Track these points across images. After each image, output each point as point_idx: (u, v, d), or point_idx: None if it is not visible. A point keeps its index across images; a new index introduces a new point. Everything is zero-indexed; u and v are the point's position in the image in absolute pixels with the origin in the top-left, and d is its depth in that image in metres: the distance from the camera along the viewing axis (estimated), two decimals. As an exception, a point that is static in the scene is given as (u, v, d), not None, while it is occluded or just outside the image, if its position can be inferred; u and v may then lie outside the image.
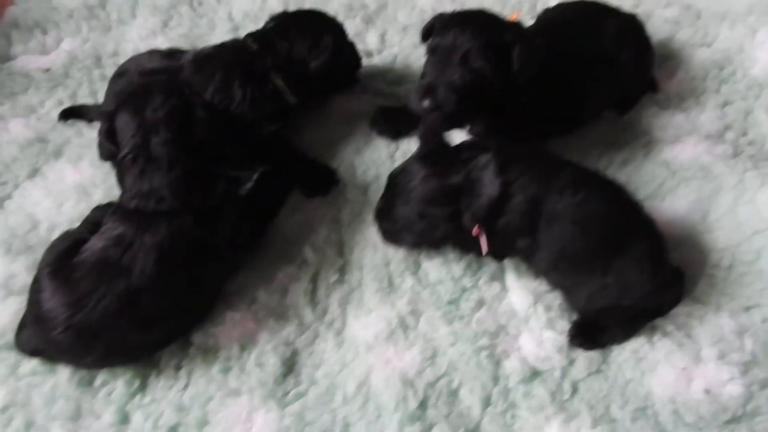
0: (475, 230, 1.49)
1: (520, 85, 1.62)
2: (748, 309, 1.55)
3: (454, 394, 1.49)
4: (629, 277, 1.43)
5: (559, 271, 1.51)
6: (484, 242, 1.51)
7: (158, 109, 1.51)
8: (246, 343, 1.57)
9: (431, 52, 1.64)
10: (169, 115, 1.51)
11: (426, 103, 1.59)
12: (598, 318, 1.52)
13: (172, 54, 1.84)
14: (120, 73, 1.84)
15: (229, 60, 1.77)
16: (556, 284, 1.58)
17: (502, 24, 1.64)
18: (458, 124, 1.75)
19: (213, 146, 1.56)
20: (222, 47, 1.83)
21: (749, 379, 1.45)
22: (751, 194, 1.68)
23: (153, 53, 1.87)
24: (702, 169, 1.76)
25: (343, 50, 1.90)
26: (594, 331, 1.53)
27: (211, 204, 1.53)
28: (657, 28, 2.13)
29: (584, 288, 1.49)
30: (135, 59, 1.87)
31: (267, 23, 1.88)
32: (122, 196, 1.56)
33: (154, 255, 1.44)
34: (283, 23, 1.84)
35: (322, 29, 1.85)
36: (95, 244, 1.47)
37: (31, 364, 1.53)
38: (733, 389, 1.43)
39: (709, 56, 2.04)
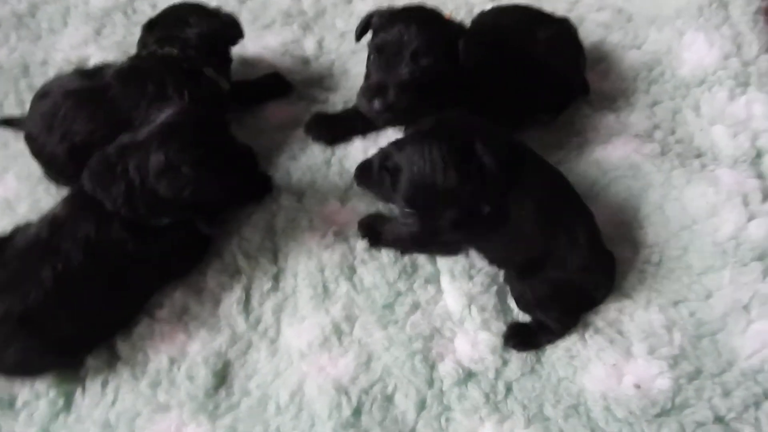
0: None
1: (468, 77, 1.63)
2: (676, 303, 1.57)
3: (388, 399, 1.47)
4: (565, 248, 1.45)
5: (503, 242, 1.51)
6: None
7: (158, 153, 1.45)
8: (176, 356, 1.54)
9: (377, 50, 1.60)
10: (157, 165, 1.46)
11: (376, 104, 1.56)
12: (534, 303, 1.52)
13: (94, 73, 1.79)
14: (43, 94, 1.77)
15: (158, 69, 1.73)
16: (492, 255, 1.59)
17: (442, 18, 1.65)
18: (409, 120, 1.68)
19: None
20: (141, 59, 1.79)
21: (678, 373, 1.47)
22: (678, 192, 1.71)
23: (74, 74, 1.81)
24: (631, 168, 1.78)
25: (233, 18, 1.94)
26: (528, 332, 1.54)
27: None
28: (590, 31, 2.17)
29: (519, 259, 1.51)
30: (58, 80, 1.80)
31: (149, 28, 1.85)
32: None
33: (82, 242, 1.44)
34: (172, 20, 1.83)
35: (205, 8, 1.88)
36: (30, 228, 1.48)
37: (-51, 386, 1.47)
38: (662, 383, 1.45)
39: (639, 58, 2.07)
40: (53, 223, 1.46)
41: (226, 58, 1.90)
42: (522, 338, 1.53)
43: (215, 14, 1.87)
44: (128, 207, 1.46)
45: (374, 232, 1.68)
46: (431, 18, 1.63)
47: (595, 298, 1.56)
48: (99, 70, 1.79)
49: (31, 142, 1.77)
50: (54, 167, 1.77)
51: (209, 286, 1.64)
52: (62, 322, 1.43)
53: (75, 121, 1.68)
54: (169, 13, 1.88)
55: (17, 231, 1.56)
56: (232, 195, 1.67)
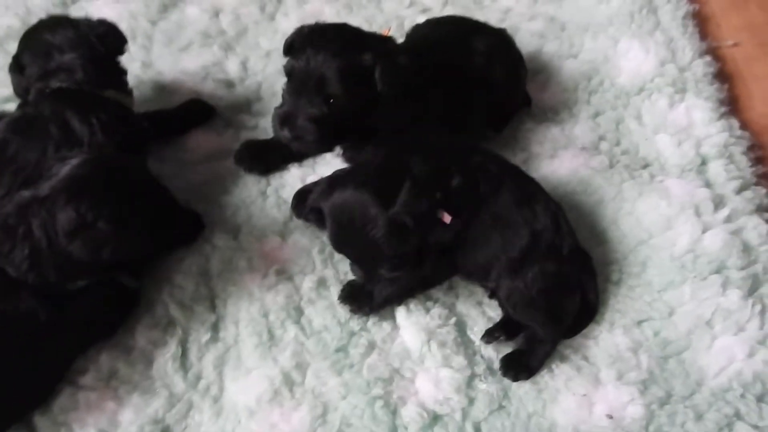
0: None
1: (389, 104, 1.54)
2: (640, 323, 1.53)
3: (350, 454, 1.35)
4: (551, 231, 1.44)
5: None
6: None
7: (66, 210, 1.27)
8: (105, 428, 1.37)
9: (288, 74, 1.55)
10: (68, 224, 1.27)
11: (285, 133, 1.55)
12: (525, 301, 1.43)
13: None
14: None
15: (56, 107, 1.52)
16: (486, 253, 1.46)
17: (363, 41, 1.55)
18: (325, 149, 1.72)
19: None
20: (32, 104, 1.57)
21: (648, 399, 1.41)
22: (630, 205, 1.68)
23: None
24: (581, 183, 1.74)
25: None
26: (523, 357, 1.46)
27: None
28: (525, 41, 2.12)
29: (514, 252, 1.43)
30: None
31: (17, 70, 1.63)
32: None
33: None
34: (40, 50, 1.60)
35: (63, 22, 1.64)
36: None
37: None
38: (634, 411, 1.40)
39: (577, 67, 2.04)
40: None
41: (119, 72, 1.71)
42: (519, 366, 1.45)
43: (83, 26, 1.63)
44: (35, 273, 1.27)
45: (361, 297, 1.52)
46: (344, 43, 1.53)
47: (590, 300, 1.51)
48: None
49: None
50: None
51: (139, 344, 1.47)
52: None
53: None
54: (30, 44, 1.64)
55: None
56: (158, 243, 1.50)
